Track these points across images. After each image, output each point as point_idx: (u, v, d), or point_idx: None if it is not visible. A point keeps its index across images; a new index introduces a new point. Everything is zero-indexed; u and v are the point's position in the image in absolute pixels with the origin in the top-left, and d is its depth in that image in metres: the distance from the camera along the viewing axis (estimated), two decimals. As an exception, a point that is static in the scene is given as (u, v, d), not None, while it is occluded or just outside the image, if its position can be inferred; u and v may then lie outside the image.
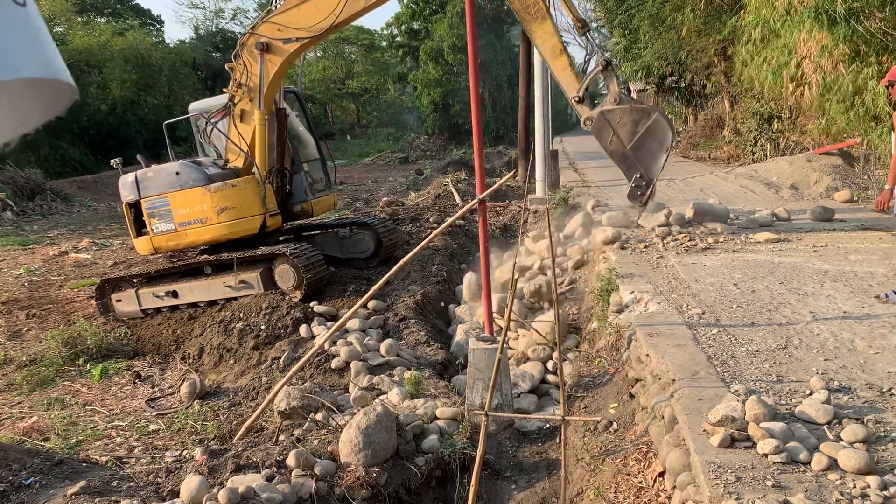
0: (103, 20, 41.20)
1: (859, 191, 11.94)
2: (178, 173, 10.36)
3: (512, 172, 10.11)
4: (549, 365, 7.66)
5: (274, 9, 10.21)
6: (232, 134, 10.53)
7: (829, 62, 11.33)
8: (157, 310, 10.80)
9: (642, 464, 4.67)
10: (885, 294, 6.38)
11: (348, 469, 5.33)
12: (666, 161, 9.34)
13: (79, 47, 32.50)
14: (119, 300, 10.89)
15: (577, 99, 9.34)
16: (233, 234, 10.40)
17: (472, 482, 4.49)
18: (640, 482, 4.50)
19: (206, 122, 10.93)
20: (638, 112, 9.19)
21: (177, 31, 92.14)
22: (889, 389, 4.44)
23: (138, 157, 10.77)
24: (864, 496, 3.32)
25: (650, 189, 9.43)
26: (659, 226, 9.86)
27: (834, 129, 12.90)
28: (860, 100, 11.50)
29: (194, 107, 11.60)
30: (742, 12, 14.27)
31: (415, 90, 44.36)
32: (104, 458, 6.64)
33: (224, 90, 10.65)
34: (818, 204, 10.37)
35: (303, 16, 9.84)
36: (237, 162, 10.64)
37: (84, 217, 23.19)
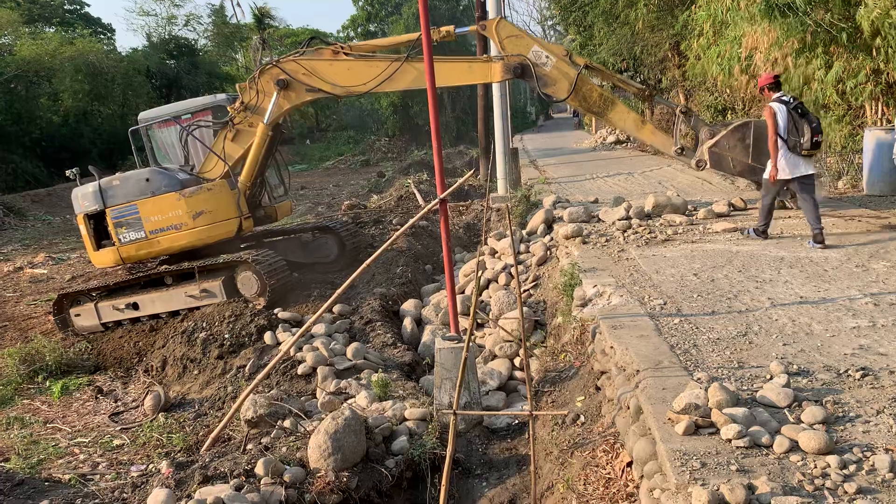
0: (52, 30, 40.23)
1: (812, 178, 12.21)
2: (148, 180, 10.23)
3: (472, 171, 10.19)
4: (517, 361, 7.70)
5: (303, 51, 10.19)
6: (217, 147, 10.47)
7: (780, 54, 11.58)
8: (118, 323, 10.62)
9: (610, 455, 4.72)
10: (747, 230, 8.57)
11: (318, 475, 5.29)
12: None
13: (26, 57, 31.65)
14: (78, 315, 10.67)
15: (678, 152, 9.98)
16: (211, 239, 10.30)
17: (443, 482, 4.49)
18: (609, 473, 4.54)
19: (183, 129, 10.80)
20: (737, 129, 9.69)
21: (129, 40, 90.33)
22: (846, 371, 4.54)
23: (90, 168, 10.56)
24: (824, 475, 3.40)
25: None
26: (619, 219, 9.98)
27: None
28: (809, 90, 11.77)
29: (144, 116, 11.42)
30: (693, 6, 14.50)
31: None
32: (67, 476, 6.50)
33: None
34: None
35: (334, 72, 9.88)
36: (211, 174, 10.57)
37: (39, 231, 22.68)
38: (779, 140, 8.01)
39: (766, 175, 8.29)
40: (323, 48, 10.16)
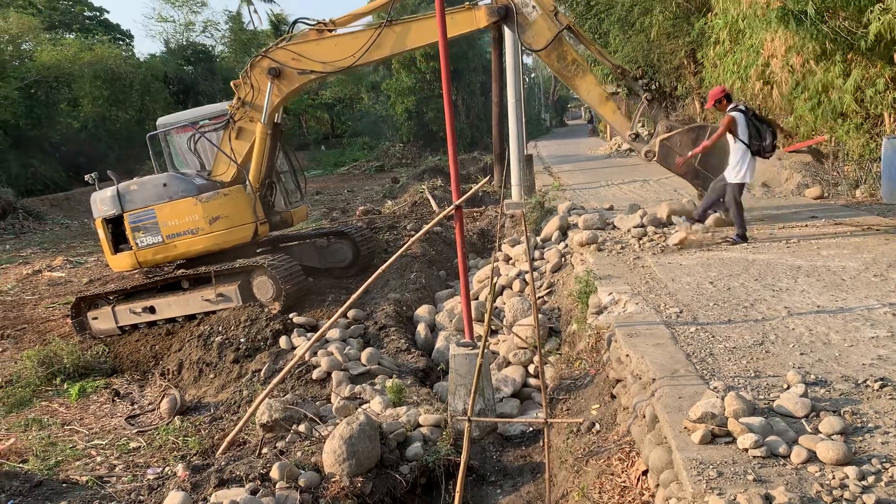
0: (72, 36, 40.69)
1: (829, 187, 12.12)
2: (165, 185, 10.32)
3: (487, 178, 10.16)
4: (531, 368, 7.69)
5: (290, 36, 10.27)
6: (224, 148, 10.55)
7: (798, 60, 11.53)
8: (135, 326, 10.70)
9: (625, 463, 4.70)
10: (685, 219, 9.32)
11: (333, 480, 5.31)
12: None
13: (46, 63, 32.03)
14: (95, 318, 10.77)
15: (632, 137, 9.94)
16: (227, 244, 10.37)
17: (458, 488, 4.49)
18: (624, 481, 4.53)
19: (194, 133, 10.89)
20: (693, 130, 9.77)
21: (147, 46, 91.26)
22: (864, 381, 4.51)
23: (109, 172, 10.66)
24: (843, 486, 3.38)
25: None
26: (634, 227, 9.94)
27: (804, 129, 13.11)
28: (826, 97, 11.71)
29: (162, 122, 11.53)
30: (709, 14, 14.47)
31: (388, 98, 44.27)
32: (85, 478, 6.55)
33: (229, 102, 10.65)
34: (790, 201, 10.53)
35: (322, 51, 9.97)
36: (224, 176, 10.63)
37: (57, 235, 22.90)
38: (741, 146, 8.51)
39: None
40: (307, 30, 10.23)
